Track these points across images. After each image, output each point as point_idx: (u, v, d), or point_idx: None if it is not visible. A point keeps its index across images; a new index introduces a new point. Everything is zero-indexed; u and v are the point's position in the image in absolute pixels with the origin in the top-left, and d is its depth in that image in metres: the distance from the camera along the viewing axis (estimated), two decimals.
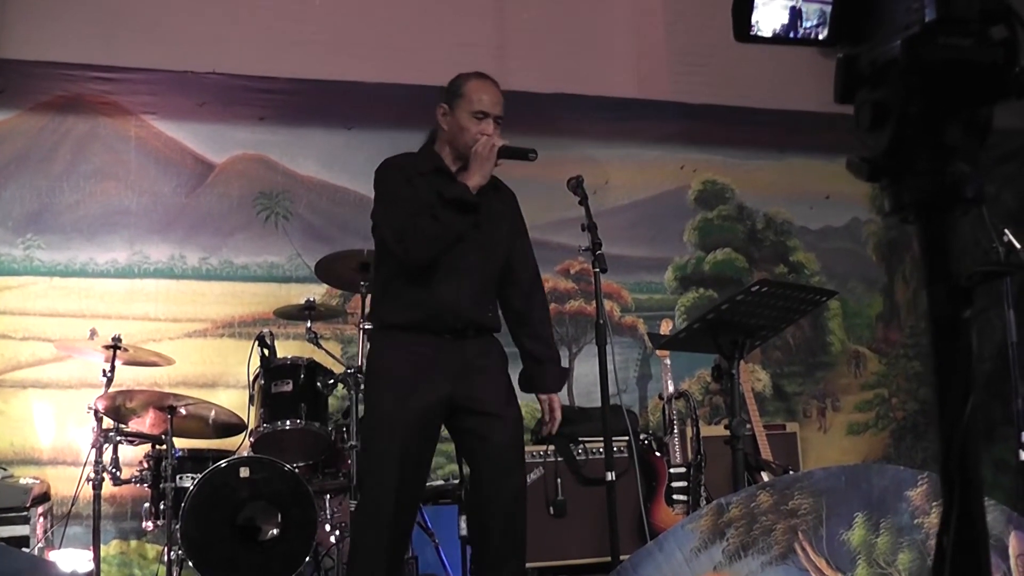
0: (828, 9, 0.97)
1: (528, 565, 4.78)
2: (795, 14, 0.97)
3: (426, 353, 3.17)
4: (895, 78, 0.90)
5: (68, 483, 4.64)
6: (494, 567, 3.18)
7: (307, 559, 4.08)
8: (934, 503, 2.59)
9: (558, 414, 3.42)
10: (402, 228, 3.14)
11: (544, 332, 3.47)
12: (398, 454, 3.09)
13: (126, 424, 4.33)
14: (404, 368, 3.16)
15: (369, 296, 4.11)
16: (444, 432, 3.32)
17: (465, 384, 3.18)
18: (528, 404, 5.69)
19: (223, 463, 4.11)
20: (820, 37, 0.98)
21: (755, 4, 0.98)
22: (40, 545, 4.34)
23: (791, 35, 0.98)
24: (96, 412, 4.24)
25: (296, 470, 4.19)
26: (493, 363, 3.27)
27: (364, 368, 3.48)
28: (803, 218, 6.47)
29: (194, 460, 4.28)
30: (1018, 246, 3.71)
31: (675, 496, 4.91)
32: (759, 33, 0.98)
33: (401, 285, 3.21)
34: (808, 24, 0.98)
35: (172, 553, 4.03)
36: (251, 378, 4.45)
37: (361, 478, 3.27)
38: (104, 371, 4.34)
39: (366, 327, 4.05)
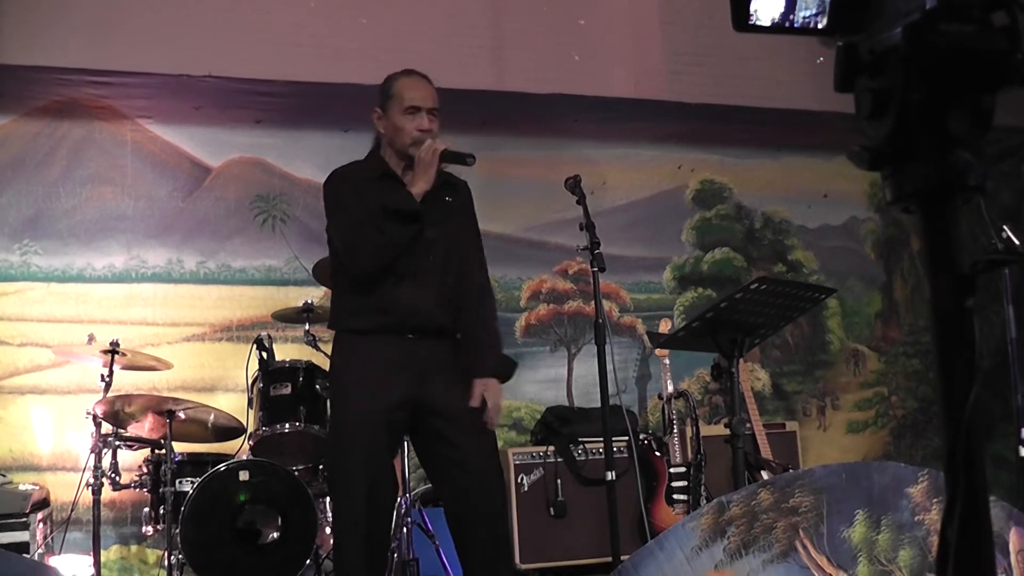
0: None
1: (528, 565, 4.80)
2: (793, 3, 0.97)
3: (389, 356, 3.14)
4: (896, 66, 0.89)
5: (67, 488, 4.63)
6: (487, 574, 3.17)
7: (307, 561, 4.08)
8: (934, 500, 2.59)
9: (492, 402, 3.13)
10: (350, 239, 3.16)
11: (489, 321, 3.33)
12: (365, 459, 3.08)
13: (125, 429, 4.33)
14: (367, 372, 3.15)
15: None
16: None
17: (430, 386, 3.15)
18: (528, 405, 5.76)
19: (223, 467, 4.11)
20: (819, 26, 0.97)
21: None
22: (40, 551, 4.33)
23: (790, 24, 0.97)
24: (95, 417, 4.24)
25: (296, 473, 4.18)
26: (458, 365, 3.21)
27: (328, 373, 3.46)
28: (801, 217, 6.47)
29: (193, 464, 4.28)
30: (1017, 242, 3.70)
31: (675, 495, 4.90)
32: (758, 22, 0.97)
33: (361, 288, 3.19)
34: (807, 13, 0.97)
35: (172, 557, 4.03)
36: (250, 381, 4.45)
37: (332, 484, 3.25)
38: (102, 376, 4.34)
39: None
